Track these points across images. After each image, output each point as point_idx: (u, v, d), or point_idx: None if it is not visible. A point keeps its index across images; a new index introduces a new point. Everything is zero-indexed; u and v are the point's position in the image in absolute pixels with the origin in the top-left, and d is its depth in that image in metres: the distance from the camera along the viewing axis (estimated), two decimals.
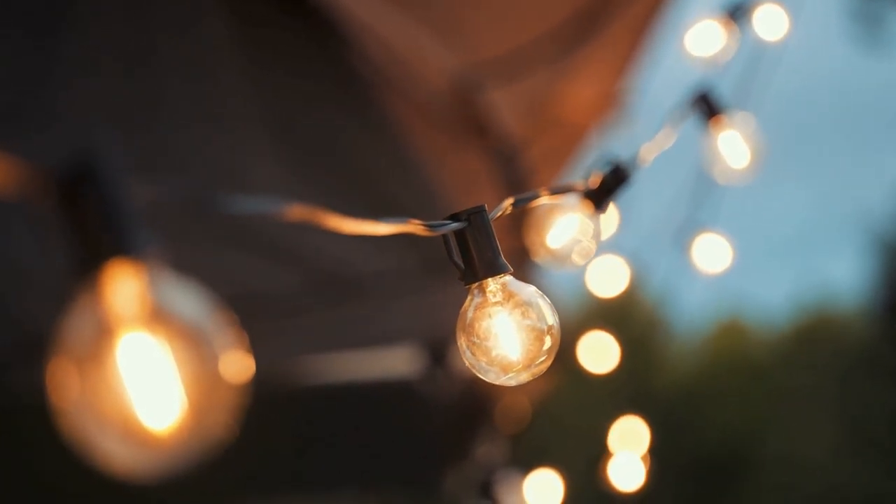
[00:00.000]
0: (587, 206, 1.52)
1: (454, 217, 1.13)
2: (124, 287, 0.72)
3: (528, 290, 1.13)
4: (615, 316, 13.21)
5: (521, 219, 3.25)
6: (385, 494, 3.29)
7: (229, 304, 2.22)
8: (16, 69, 2.78)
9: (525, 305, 1.12)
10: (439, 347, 3.02)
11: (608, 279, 3.33)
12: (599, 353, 3.31)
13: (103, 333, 0.72)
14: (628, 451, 3.32)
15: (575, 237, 1.52)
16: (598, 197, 1.52)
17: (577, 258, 1.54)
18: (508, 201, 1.22)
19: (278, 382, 2.92)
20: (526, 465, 3.49)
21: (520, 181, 3.18)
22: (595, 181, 1.49)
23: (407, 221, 1.04)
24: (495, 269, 1.12)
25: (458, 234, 1.13)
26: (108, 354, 0.72)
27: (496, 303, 1.12)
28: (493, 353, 1.11)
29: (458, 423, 3.25)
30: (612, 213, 3.40)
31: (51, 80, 2.77)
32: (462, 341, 1.12)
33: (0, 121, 2.77)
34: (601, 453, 3.29)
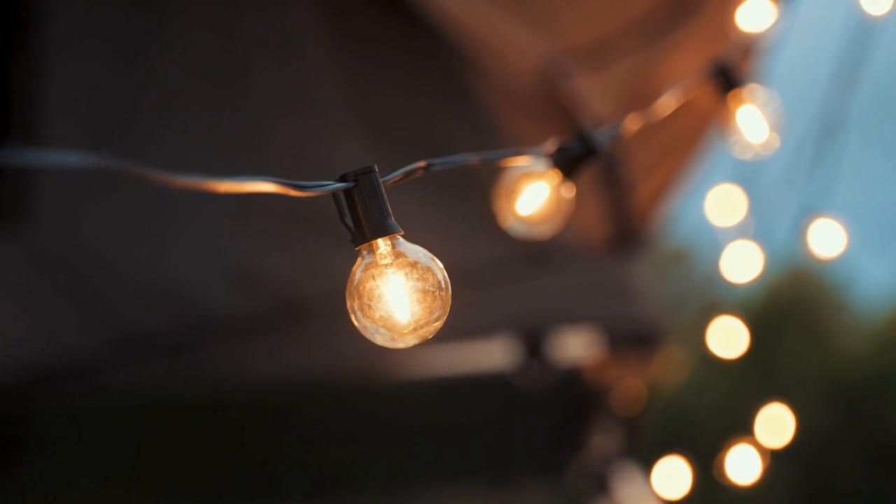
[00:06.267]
0: (556, 175, 1.50)
1: (343, 178, 1.12)
2: None
3: (418, 252, 1.12)
4: (792, 297, 12.95)
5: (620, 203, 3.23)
6: (502, 486, 3.29)
7: (321, 298, 2.25)
8: (116, 39, 2.89)
9: (414, 267, 1.11)
10: (536, 338, 3.00)
11: (742, 265, 3.29)
12: (729, 337, 3.27)
13: None
14: (773, 439, 3.25)
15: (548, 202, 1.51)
16: (567, 166, 1.50)
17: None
18: (420, 164, 1.21)
19: (377, 376, 2.94)
20: (656, 453, 3.44)
21: (613, 168, 3.15)
22: (551, 148, 1.48)
23: (270, 180, 1.04)
24: (384, 231, 1.11)
25: (347, 195, 1.12)
26: None
27: (385, 264, 1.11)
28: (380, 315, 1.10)
29: (568, 413, 3.23)
30: (740, 198, 3.37)
31: (148, 49, 2.86)
32: (350, 303, 1.12)
33: (98, 86, 2.88)
34: (738, 441, 3.22)
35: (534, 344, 3.00)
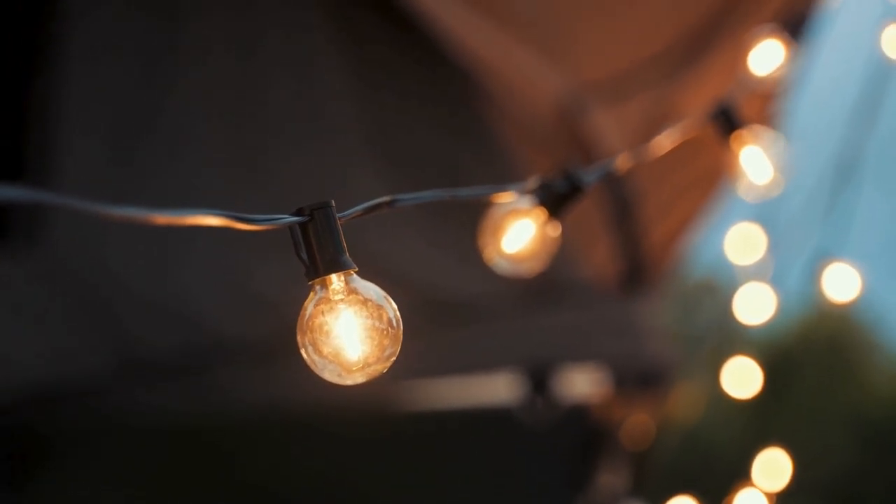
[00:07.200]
0: (542, 213, 1.49)
1: (298, 212, 1.11)
2: None
3: (372, 290, 1.10)
4: (821, 335, 12.85)
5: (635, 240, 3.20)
6: None
7: None
8: (137, 51, 2.90)
9: (365, 304, 1.09)
10: (541, 374, 2.98)
11: (756, 306, 3.27)
12: (743, 377, 3.26)
13: None
14: (769, 483, 3.23)
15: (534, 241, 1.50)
16: (553, 203, 1.48)
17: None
18: (384, 199, 1.19)
19: (381, 407, 2.93)
20: (667, 491, 3.41)
21: (626, 204, 3.13)
22: (533, 186, 1.46)
23: (215, 213, 1.02)
24: (337, 266, 1.10)
25: (302, 229, 1.11)
26: None
27: (337, 300, 1.10)
28: (329, 351, 1.09)
29: (574, 450, 3.21)
30: (759, 237, 3.35)
31: (167, 63, 2.87)
32: (301, 338, 1.10)
33: (117, 99, 2.89)
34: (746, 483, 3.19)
35: (539, 380, 2.99)
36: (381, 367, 1.10)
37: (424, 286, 2.88)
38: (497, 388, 3.01)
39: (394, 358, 1.10)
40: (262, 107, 2.94)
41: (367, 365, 1.09)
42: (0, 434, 2.85)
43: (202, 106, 2.91)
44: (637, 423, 3.35)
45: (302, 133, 2.93)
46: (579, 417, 3.14)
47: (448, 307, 2.90)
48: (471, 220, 2.87)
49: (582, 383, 3.09)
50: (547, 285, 2.94)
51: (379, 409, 2.93)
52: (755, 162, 1.94)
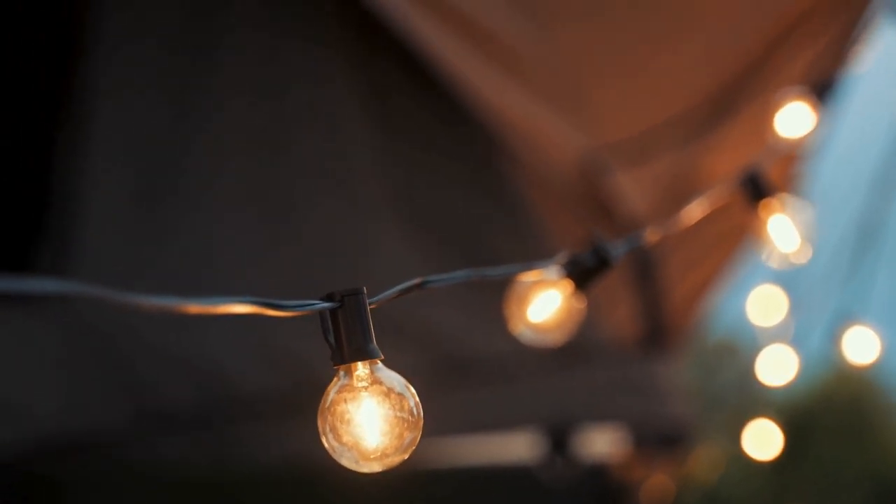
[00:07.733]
0: (568, 285, 1.50)
1: (329, 297, 1.11)
2: None
3: (395, 380, 1.10)
4: (842, 398, 12.82)
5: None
6: None
7: None
8: (164, 92, 2.91)
9: (387, 395, 1.09)
10: (561, 433, 2.98)
11: (777, 367, 3.27)
12: (763, 439, 3.26)
13: None
14: None
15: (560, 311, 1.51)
16: (580, 276, 1.49)
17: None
18: (415, 281, 1.20)
19: (401, 464, 2.91)
20: None
21: (648, 264, 3.12)
22: (564, 259, 1.47)
23: (247, 301, 1.02)
24: (363, 355, 1.10)
25: (332, 314, 1.11)
26: None
27: (360, 388, 1.10)
28: (348, 439, 1.09)
29: None
30: (781, 299, 3.35)
31: (194, 104, 2.88)
32: (321, 424, 1.10)
33: (143, 145, 2.90)
34: None
35: (559, 439, 2.98)
36: (400, 458, 1.10)
37: (447, 343, 2.88)
38: (517, 447, 3.00)
39: (413, 447, 1.10)
40: (287, 154, 2.94)
41: (385, 455, 1.10)
42: (18, 483, 2.84)
43: (228, 150, 2.92)
44: (656, 483, 3.34)
45: (326, 182, 2.93)
46: (599, 477, 3.13)
47: (470, 365, 2.90)
48: (497, 281, 2.87)
49: (602, 443, 3.08)
50: (568, 345, 2.93)
51: (399, 465, 2.91)
52: (783, 230, 1.94)
